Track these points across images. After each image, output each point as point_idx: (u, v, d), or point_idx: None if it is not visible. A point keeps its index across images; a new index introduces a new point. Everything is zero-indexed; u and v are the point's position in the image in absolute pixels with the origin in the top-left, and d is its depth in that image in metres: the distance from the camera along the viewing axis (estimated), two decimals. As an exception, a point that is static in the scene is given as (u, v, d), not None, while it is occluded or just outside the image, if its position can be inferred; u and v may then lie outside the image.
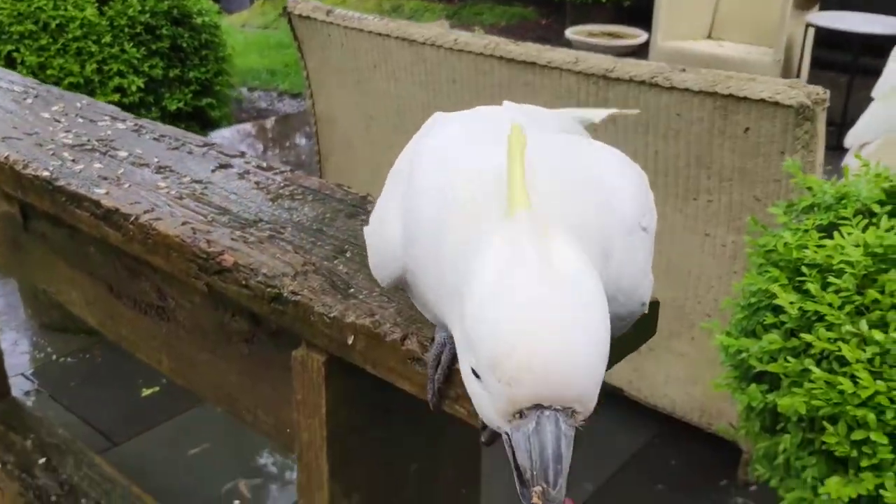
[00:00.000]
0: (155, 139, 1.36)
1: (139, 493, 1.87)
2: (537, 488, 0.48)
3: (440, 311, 0.69)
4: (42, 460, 1.97)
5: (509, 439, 0.50)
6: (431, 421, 1.08)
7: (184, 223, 1.05)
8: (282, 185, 1.20)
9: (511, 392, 0.49)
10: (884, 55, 4.94)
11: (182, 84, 2.51)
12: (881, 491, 1.05)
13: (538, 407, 0.49)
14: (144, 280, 1.30)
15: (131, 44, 2.36)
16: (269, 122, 5.01)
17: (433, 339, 0.81)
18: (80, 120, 1.43)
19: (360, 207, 1.12)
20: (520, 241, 0.54)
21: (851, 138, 2.51)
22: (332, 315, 0.88)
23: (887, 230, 1.22)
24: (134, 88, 2.34)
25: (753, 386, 1.28)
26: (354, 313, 0.87)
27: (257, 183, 1.20)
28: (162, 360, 1.33)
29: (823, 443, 1.14)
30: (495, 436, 0.77)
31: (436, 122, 0.83)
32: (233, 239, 1.02)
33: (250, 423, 1.23)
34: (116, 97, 2.29)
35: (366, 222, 1.07)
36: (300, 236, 1.03)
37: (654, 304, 0.95)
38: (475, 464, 1.19)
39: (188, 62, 2.53)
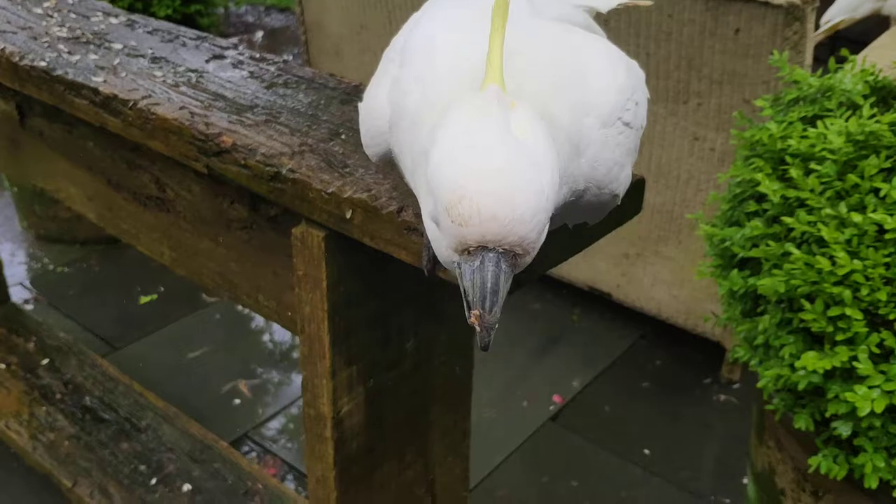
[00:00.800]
0: (148, 32, 1.36)
1: (141, 390, 1.92)
2: (475, 311, 0.56)
3: (415, 186, 0.72)
4: (45, 361, 2.02)
5: (460, 270, 0.58)
6: (427, 300, 1.12)
7: (181, 108, 1.08)
8: (276, 74, 1.21)
9: (461, 231, 0.56)
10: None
11: (170, -9, 2.49)
12: (854, 363, 1.10)
13: (483, 248, 0.56)
14: (143, 172, 1.32)
15: (118, -51, 2.33)
16: (257, 36, 4.95)
17: (428, 209, 0.85)
18: (73, 15, 1.43)
19: (354, 95, 1.14)
20: (485, 108, 0.58)
21: (829, 16, 2.56)
22: (329, 191, 0.91)
23: (869, 118, 1.25)
24: (123, -6, 2.32)
25: (735, 271, 1.33)
26: (351, 188, 0.90)
27: (251, 72, 1.21)
28: (164, 251, 1.37)
29: (801, 321, 1.19)
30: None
31: (430, 6, 0.84)
32: (230, 122, 1.04)
33: (252, 307, 1.27)
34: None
35: (357, 107, 1.10)
36: (296, 120, 1.06)
37: (640, 182, 0.98)
38: (467, 346, 1.24)
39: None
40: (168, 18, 2.49)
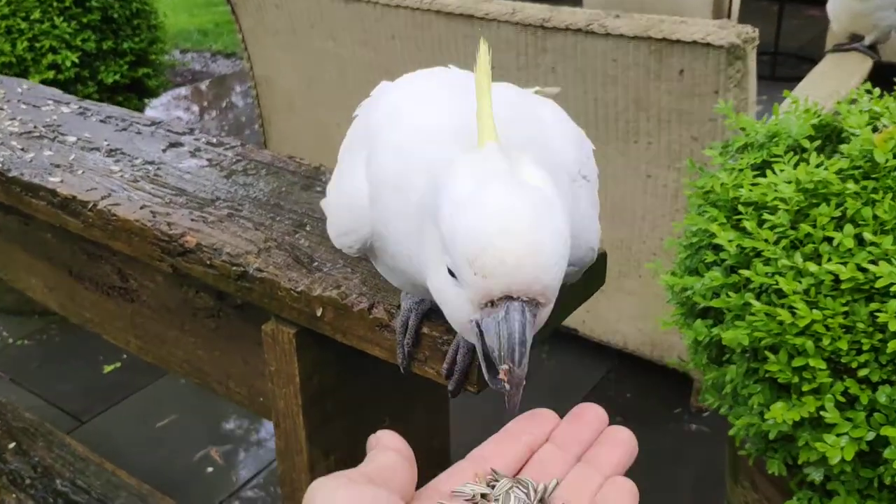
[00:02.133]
0: (101, 121, 1.36)
1: (113, 469, 1.89)
2: (504, 366, 0.55)
3: (409, 255, 0.70)
4: (12, 445, 1.98)
5: (479, 329, 0.57)
6: (400, 379, 1.13)
7: (142, 207, 1.07)
8: (234, 160, 1.21)
9: (485, 283, 0.54)
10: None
11: (117, 56, 2.47)
12: (821, 412, 1.13)
13: (507, 298, 0.55)
14: (105, 263, 1.31)
15: (61, 18, 2.31)
16: (205, 85, 4.93)
17: (399, 307, 0.86)
18: (24, 106, 1.42)
19: (315, 178, 1.14)
20: (491, 160, 0.59)
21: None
22: (299, 290, 0.91)
23: (817, 166, 1.28)
24: (69, 64, 2.30)
25: (699, 321, 1.35)
26: (321, 286, 0.91)
27: (209, 160, 1.21)
28: (129, 339, 1.35)
29: (767, 371, 1.22)
30: (460, 387, 0.82)
31: (383, 90, 0.84)
32: (192, 220, 1.04)
33: (223, 394, 1.26)
34: (51, 74, 2.25)
35: (321, 194, 1.11)
36: (258, 212, 1.06)
37: (602, 256, 1.00)
38: (444, 417, 1.25)
39: (121, 33, 2.48)
40: (115, 84, 2.47)
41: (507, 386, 0.56)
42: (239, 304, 1.17)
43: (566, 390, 2.38)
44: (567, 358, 2.50)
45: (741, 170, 1.40)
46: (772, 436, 1.20)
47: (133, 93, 2.54)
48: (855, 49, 2.26)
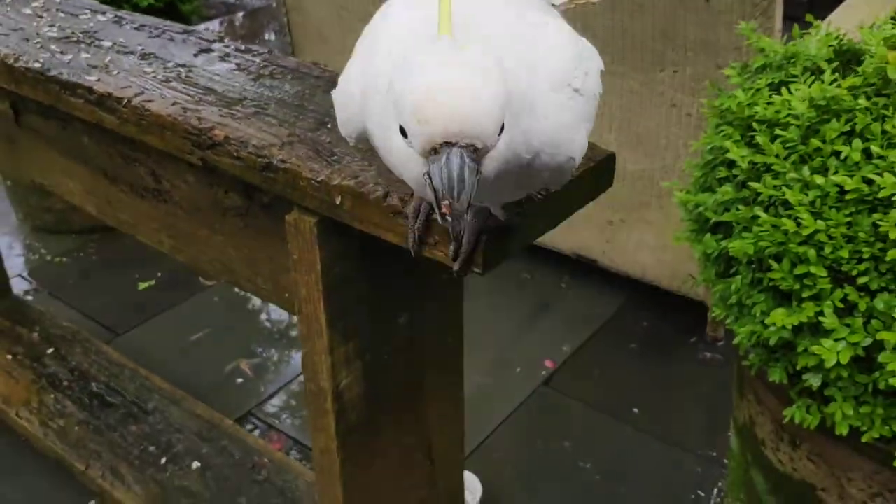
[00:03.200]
0: (136, 28, 1.41)
1: (147, 374, 1.99)
2: (446, 202, 0.63)
3: (382, 146, 0.75)
4: (50, 350, 2.08)
5: (429, 177, 0.64)
6: (417, 277, 1.19)
7: (174, 103, 1.13)
8: (261, 65, 1.26)
9: (428, 130, 0.62)
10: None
11: (151, -21, 2.52)
12: (820, 318, 1.17)
13: (447, 145, 0.62)
14: (139, 165, 1.38)
15: (98, -60, 2.35)
16: (238, 18, 4.96)
17: (412, 194, 0.91)
18: (62, 14, 1.48)
19: (337, 83, 1.18)
20: (441, 48, 0.66)
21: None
22: (319, 179, 0.97)
23: (831, 83, 1.30)
24: (104, -14, 2.34)
25: (709, 235, 1.39)
26: (340, 176, 0.96)
27: (238, 65, 1.26)
28: (163, 239, 1.42)
29: (770, 280, 1.26)
30: (466, 267, 0.88)
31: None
32: (221, 116, 1.10)
33: (251, 290, 1.33)
34: (88, -5, 2.29)
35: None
36: (283, 111, 1.11)
37: (611, 156, 1.04)
38: (458, 317, 1.31)
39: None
40: (150, 7, 2.52)
41: (449, 218, 0.65)
42: (266, 203, 1.22)
43: (584, 320, 2.44)
44: (586, 288, 2.55)
45: (758, 89, 1.43)
46: (772, 342, 1.24)
47: (166, 17, 2.58)
48: (887, -19, 2.23)
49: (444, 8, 0.68)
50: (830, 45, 1.47)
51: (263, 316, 2.55)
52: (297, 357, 2.35)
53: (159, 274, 2.67)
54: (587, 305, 2.49)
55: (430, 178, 0.64)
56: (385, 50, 0.76)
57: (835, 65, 1.42)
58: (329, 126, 1.07)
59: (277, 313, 2.54)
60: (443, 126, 0.62)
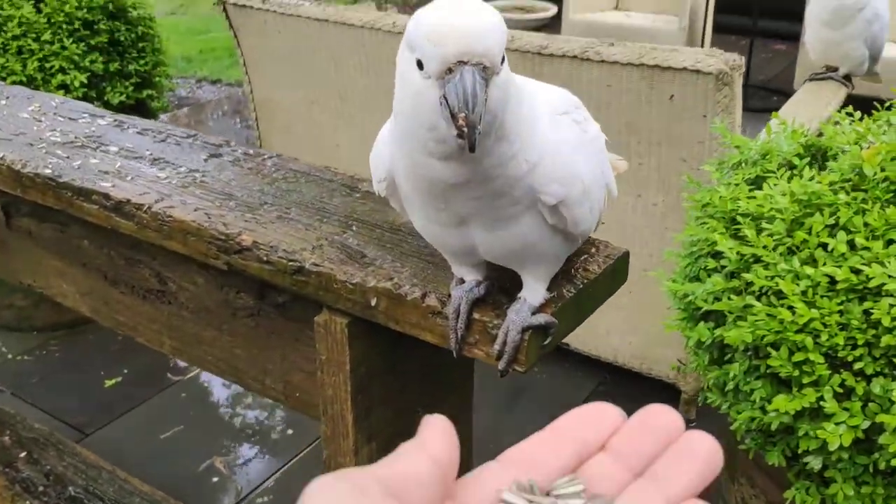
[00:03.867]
0: (139, 133, 1.43)
1: (125, 476, 1.94)
2: (461, 114, 0.69)
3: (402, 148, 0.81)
4: (23, 454, 2.01)
5: (445, 98, 0.70)
6: (433, 369, 1.21)
7: (196, 209, 1.15)
8: (273, 169, 1.29)
9: (442, 50, 0.69)
10: (780, 17, 5.25)
11: (122, 77, 2.54)
12: (821, 403, 1.23)
13: (460, 64, 0.69)
14: (143, 267, 1.38)
15: (70, 40, 2.38)
16: (188, 111, 4.99)
17: (449, 295, 0.94)
18: (61, 118, 1.49)
19: (353, 187, 1.22)
20: None
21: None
22: (354, 281, 0.99)
23: (809, 179, 1.40)
24: (77, 84, 2.36)
25: (701, 324, 1.45)
26: (374, 278, 0.99)
27: (250, 168, 1.29)
28: (164, 341, 1.42)
29: (768, 367, 1.32)
30: (510, 365, 0.91)
31: None
32: (245, 221, 1.12)
33: (258, 391, 1.33)
34: (60, 94, 2.31)
35: (362, 198, 1.19)
36: (306, 215, 1.14)
37: (625, 254, 1.10)
38: (468, 413, 1.33)
39: (127, 55, 2.56)
40: (121, 104, 2.54)
41: (465, 128, 0.69)
42: (279, 303, 1.24)
43: (558, 403, 2.47)
44: (559, 371, 2.59)
45: (737, 184, 1.51)
46: (773, 427, 1.29)
47: (136, 114, 2.60)
48: (830, 78, 2.40)
49: None
50: (799, 142, 1.57)
51: (233, 412, 2.51)
52: (271, 453, 2.32)
53: (125, 371, 2.62)
54: (562, 389, 2.52)
55: (447, 98, 0.69)
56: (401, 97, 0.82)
57: (806, 160, 1.52)
58: (354, 228, 1.10)
59: (248, 409, 2.51)
60: (455, 44, 0.68)
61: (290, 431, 2.38)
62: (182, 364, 2.65)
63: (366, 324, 1.04)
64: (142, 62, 2.58)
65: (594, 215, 0.91)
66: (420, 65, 0.71)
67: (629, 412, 0.41)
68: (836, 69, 2.40)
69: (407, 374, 1.15)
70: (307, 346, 1.23)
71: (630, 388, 2.50)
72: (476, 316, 0.92)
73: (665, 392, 2.42)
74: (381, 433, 1.14)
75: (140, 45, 2.59)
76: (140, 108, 2.64)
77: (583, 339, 2.50)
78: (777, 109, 2.69)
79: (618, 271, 1.09)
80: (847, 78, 2.41)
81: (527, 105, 0.79)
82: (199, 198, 1.19)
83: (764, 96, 4.80)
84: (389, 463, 0.42)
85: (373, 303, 0.98)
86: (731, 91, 2.00)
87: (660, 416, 0.46)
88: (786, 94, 4.30)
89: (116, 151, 1.35)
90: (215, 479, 2.21)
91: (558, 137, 0.82)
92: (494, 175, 0.78)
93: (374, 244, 1.06)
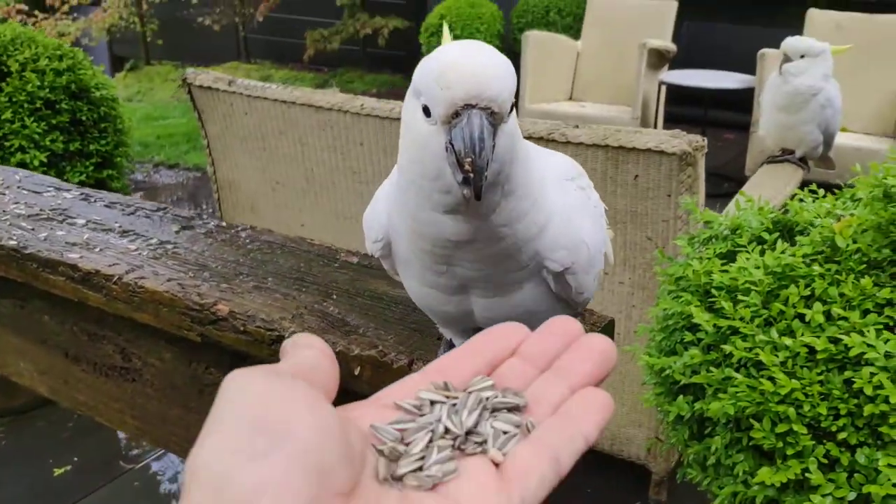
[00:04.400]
0: (106, 206, 1.40)
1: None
2: (468, 159, 0.66)
3: (401, 214, 0.80)
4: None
5: (451, 144, 0.68)
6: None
7: (169, 280, 1.11)
8: (247, 240, 1.27)
9: (450, 94, 0.67)
10: (729, 108, 5.45)
11: (83, 157, 2.51)
12: (806, 474, 1.21)
13: (468, 107, 0.67)
14: (106, 343, 1.33)
15: (31, 119, 2.35)
16: (144, 195, 4.95)
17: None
18: (25, 191, 1.45)
19: (331, 258, 1.20)
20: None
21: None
22: (336, 350, 0.96)
23: (782, 252, 1.41)
24: (36, 163, 2.33)
25: (681, 398, 1.44)
26: (358, 346, 0.96)
27: (224, 240, 1.27)
28: (126, 420, 1.35)
29: (751, 439, 1.30)
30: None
31: None
32: (221, 291, 1.09)
33: (226, 472, 1.27)
34: (19, 172, 2.27)
35: (340, 269, 1.17)
36: (284, 284, 1.11)
37: (611, 322, 1.08)
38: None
39: (88, 135, 2.53)
40: (81, 184, 2.50)
41: (472, 174, 0.67)
42: (252, 378, 1.19)
43: (528, 487, 2.41)
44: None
45: (709, 258, 1.52)
46: (759, 501, 1.27)
47: (96, 194, 2.56)
48: (787, 160, 2.47)
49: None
50: (768, 217, 1.59)
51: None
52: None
53: (75, 458, 2.50)
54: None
55: (453, 143, 0.67)
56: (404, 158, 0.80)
57: (776, 235, 1.54)
58: (334, 297, 1.07)
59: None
60: (464, 88, 0.66)
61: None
62: (134, 452, 2.55)
63: (349, 395, 1.00)
64: (103, 142, 2.56)
65: (596, 283, 0.89)
66: (426, 111, 0.70)
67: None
68: (792, 152, 2.47)
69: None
70: (281, 423, 1.19)
71: (601, 470, 2.45)
72: (465, 383, 0.89)
73: (634, 474, 2.38)
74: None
75: (102, 125, 2.57)
76: (100, 189, 2.60)
77: (551, 420, 2.47)
78: (730, 195, 2.76)
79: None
80: (803, 160, 2.48)
81: (535, 165, 0.77)
82: (172, 269, 1.15)
83: (716, 182, 4.93)
84: (284, 361, 0.48)
85: (356, 372, 0.95)
86: (694, 171, 2.04)
87: (562, 323, 0.53)
88: (737, 180, 4.43)
89: (84, 224, 1.32)
90: (170, 574, 2.09)
91: (566, 202, 0.81)
92: (502, 235, 0.75)
93: (356, 312, 1.04)
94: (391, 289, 1.09)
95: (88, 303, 1.16)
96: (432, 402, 0.49)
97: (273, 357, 1.02)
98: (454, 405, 0.49)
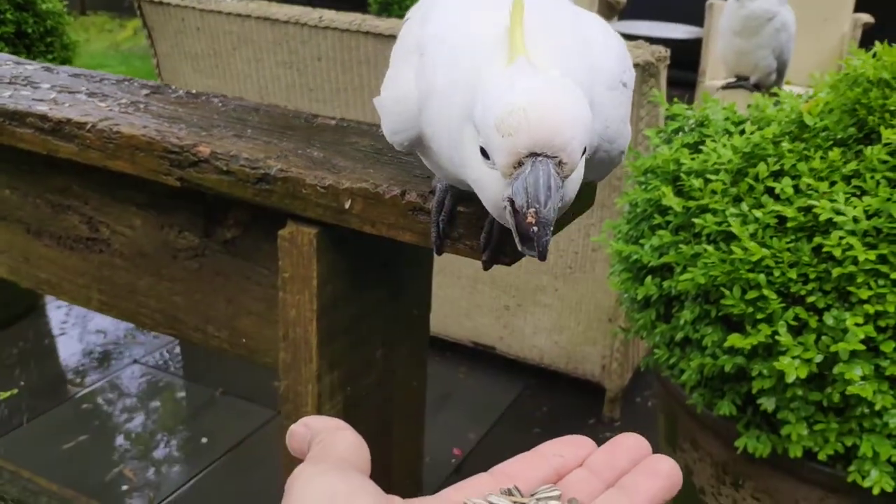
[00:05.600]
0: (71, 76, 1.35)
1: (30, 475, 1.78)
2: (532, 209, 0.59)
3: (451, 156, 0.75)
4: None
5: (511, 206, 0.62)
6: (394, 308, 1.16)
7: (145, 126, 1.08)
8: (220, 104, 1.24)
9: (511, 141, 0.60)
10: (677, 66, 5.50)
11: (28, 70, 2.42)
12: (776, 337, 1.24)
13: (533, 155, 0.60)
14: (72, 213, 1.29)
15: (-27, 27, 2.25)
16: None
17: (432, 191, 0.90)
18: (-19, 64, 1.39)
19: (310, 120, 1.18)
20: (520, 71, 0.66)
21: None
22: (326, 184, 0.94)
23: (751, 134, 1.44)
24: (-21, 72, 2.23)
25: (649, 278, 1.46)
26: (348, 180, 0.94)
27: (196, 104, 1.23)
28: (91, 296, 1.32)
29: (719, 311, 1.33)
30: (494, 257, 0.87)
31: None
32: (200, 136, 1.06)
33: (198, 341, 1.25)
34: (-39, 80, 2.17)
35: (323, 129, 1.15)
36: (265, 134, 1.09)
37: (591, 185, 1.09)
38: (423, 362, 1.28)
39: (34, 49, 2.44)
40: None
41: (536, 228, 0.60)
42: (227, 240, 1.17)
43: (484, 408, 2.43)
44: (485, 376, 2.56)
45: (677, 149, 1.54)
46: (728, 368, 1.30)
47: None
48: (741, 86, 2.52)
49: (517, 24, 0.69)
50: (733, 112, 1.62)
51: (140, 420, 2.35)
52: (181, 461, 2.18)
53: (22, 383, 2.43)
54: (488, 393, 2.48)
55: (513, 200, 0.62)
56: (440, 56, 0.76)
57: (741, 128, 1.57)
58: (317, 144, 1.05)
59: (155, 415, 2.36)
60: (529, 136, 0.60)
61: (203, 440, 2.25)
62: (81, 378, 2.49)
63: (333, 236, 0.99)
64: (49, 57, 2.46)
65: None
66: (484, 152, 0.64)
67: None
68: (746, 78, 2.52)
69: (368, 304, 1.10)
70: (257, 285, 1.17)
71: (556, 389, 2.49)
72: (461, 209, 0.88)
73: (589, 392, 2.42)
74: (343, 364, 1.08)
75: (48, 39, 2.48)
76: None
77: (508, 342, 2.48)
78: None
79: (582, 199, 1.07)
80: (757, 87, 2.53)
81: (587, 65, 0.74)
82: (147, 119, 1.12)
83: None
84: (333, 447, 0.48)
85: (347, 205, 0.94)
86: (656, 82, 2.06)
87: (629, 440, 0.53)
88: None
89: (49, 87, 1.27)
90: (125, 487, 2.05)
91: (616, 120, 0.78)
92: None
93: (342, 156, 1.02)
94: (377, 143, 1.07)
95: (59, 155, 1.11)
96: None
97: (258, 197, 1.00)
98: None
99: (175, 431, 2.29)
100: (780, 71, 2.51)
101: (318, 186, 0.95)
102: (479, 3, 0.81)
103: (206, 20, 2.48)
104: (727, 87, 2.54)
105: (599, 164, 0.83)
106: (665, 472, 0.51)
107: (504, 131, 0.60)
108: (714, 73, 3.86)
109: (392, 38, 2.21)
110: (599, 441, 0.53)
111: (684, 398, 1.46)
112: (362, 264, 1.05)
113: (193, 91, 1.29)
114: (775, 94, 1.73)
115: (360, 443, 0.49)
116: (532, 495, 0.50)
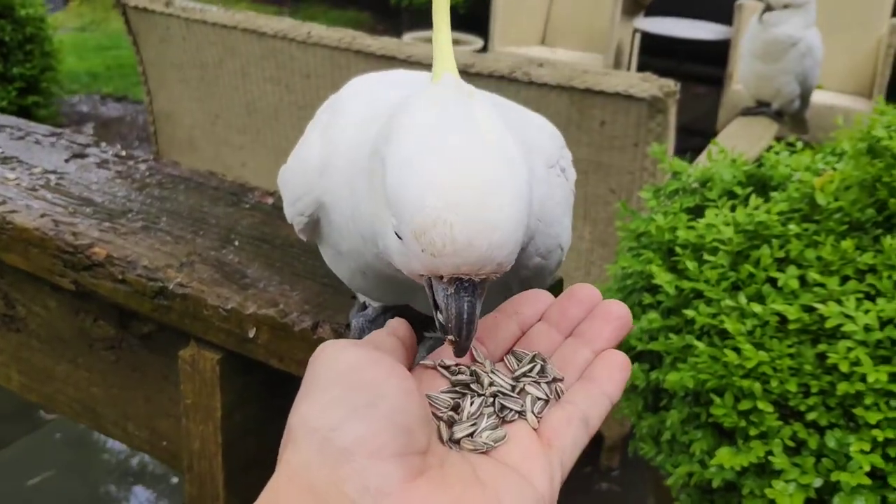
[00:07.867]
0: (-8, 129, 1.21)
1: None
2: (450, 337, 0.51)
3: (353, 217, 0.61)
4: None
5: (431, 287, 0.51)
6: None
7: (42, 215, 0.94)
8: (146, 173, 1.10)
9: (433, 262, 0.49)
10: (704, 61, 5.29)
11: (5, 81, 2.30)
12: (770, 457, 1.09)
13: (457, 278, 0.49)
14: (-13, 286, 1.16)
15: (-56, 36, 2.13)
16: (87, 128, 4.70)
17: (349, 325, 0.76)
18: None
19: (241, 195, 1.04)
20: (445, 101, 0.51)
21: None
22: (228, 307, 0.80)
23: (755, 208, 1.27)
24: (-51, 85, 2.12)
25: (636, 365, 1.30)
26: (255, 303, 0.80)
27: (119, 172, 1.09)
28: (11, 375, 1.19)
29: (710, 415, 1.17)
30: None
31: (350, 83, 0.76)
32: (101, 230, 0.92)
33: (119, 437, 1.12)
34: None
35: (250, 211, 1.01)
36: (178, 226, 0.95)
37: (559, 283, 0.94)
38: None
39: (11, 57, 2.31)
40: (2, 111, 2.29)
41: (454, 351, 0.52)
42: (144, 334, 1.04)
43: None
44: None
45: (675, 213, 1.38)
46: (715, 484, 1.14)
47: (19, 121, 2.35)
48: (762, 113, 2.33)
49: (443, 30, 0.54)
50: (742, 170, 1.45)
51: (113, 455, 2.25)
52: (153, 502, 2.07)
53: (-8, 407, 2.34)
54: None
55: (434, 300, 0.51)
56: (351, 110, 0.64)
57: (748, 189, 1.40)
58: (236, 243, 0.91)
59: (132, 453, 2.26)
60: (453, 263, 0.48)
61: (174, 480, 2.14)
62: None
63: (242, 360, 0.85)
64: (28, 66, 2.34)
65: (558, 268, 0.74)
66: (398, 235, 0.51)
67: None
68: (768, 105, 2.33)
69: (282, 426, 0.96)
70: (175, 387, 1.03)
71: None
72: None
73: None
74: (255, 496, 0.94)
75: (27, 47, 2.35)
76: (24, 116, 2.39)
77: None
78: (698, 150, 2.62)
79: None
80: (779, 114, 2.34)
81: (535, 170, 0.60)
82: (50, 202, 0.98)
83: (685, 138, 4.79)
84: (368, 338, 0.54)
85: (251, 334, 0.80)
86: (664, 119, 1.89)
87: (583, 291, 0.58)
88: (706, 135, 4.29)
89: (-41, 148, 1.13)
90: (88, 532, 1.95)
91: (553, 201, 0.65)
92: None
93: (258, 262, 0.88)
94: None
95: (-51, 240, 0.98)
96: (473, 372, 0.54)
97: (156, 312, 0.86)
98: (493, 372, 0.54)
99: (153, 469, 2.19)
100: (805, 97, 2.31)
101: (221, 309, 0.81)
102: (393, 76, 0.72)
103: (192, 29, 2.34)
104: (746, 112, 2.35)
105: (536, 255, 0.67)
106: (616, 314, 0.56)
107: (424, 245, 0.48)
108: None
109: (384, 58, 2.06)
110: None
111: (672, 498, 1.32)
112: (279, 389, 0.91)
113: (123, 153, 1.16)
114: (792, 146, 1.56)
115: (396, 346, 0.53)
116: (501, 359, 0.56)
